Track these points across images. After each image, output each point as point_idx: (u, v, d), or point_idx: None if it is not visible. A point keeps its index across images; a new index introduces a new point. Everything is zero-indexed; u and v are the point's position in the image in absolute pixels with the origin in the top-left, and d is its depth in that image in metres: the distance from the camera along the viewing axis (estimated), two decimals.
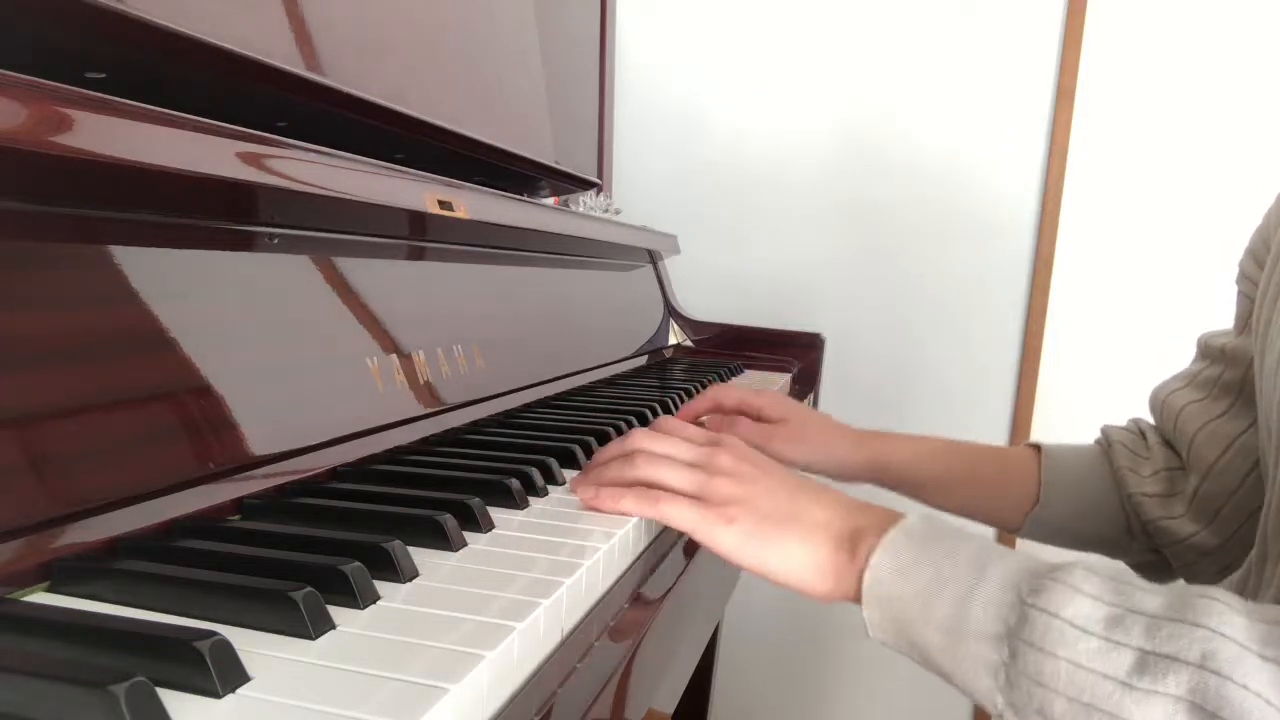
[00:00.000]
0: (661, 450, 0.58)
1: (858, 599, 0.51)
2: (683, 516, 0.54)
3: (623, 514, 0.55)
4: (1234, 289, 0.76)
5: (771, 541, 0.52)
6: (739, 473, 0.56)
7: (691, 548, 0.58)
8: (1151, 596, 0.43)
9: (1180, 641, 0.40)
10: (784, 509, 0.53)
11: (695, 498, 0.55)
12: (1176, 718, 0.39)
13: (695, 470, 0.56)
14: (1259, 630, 0.40)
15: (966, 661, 0.46)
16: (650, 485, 0.56)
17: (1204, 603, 0.42)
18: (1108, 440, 0.84)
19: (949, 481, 0.85)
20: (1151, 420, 0.83)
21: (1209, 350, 0.78)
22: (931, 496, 0.85)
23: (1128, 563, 0.83)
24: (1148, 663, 0.41)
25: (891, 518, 0.52)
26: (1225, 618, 0.40)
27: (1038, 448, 0.84)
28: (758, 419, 0.85)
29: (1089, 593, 0.43)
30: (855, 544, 0.51)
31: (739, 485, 0.55)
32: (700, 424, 0.85)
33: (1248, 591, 0.63)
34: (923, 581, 0.48)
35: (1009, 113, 1.58)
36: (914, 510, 0.54)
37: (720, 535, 0.53)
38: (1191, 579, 0.77)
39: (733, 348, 1.48)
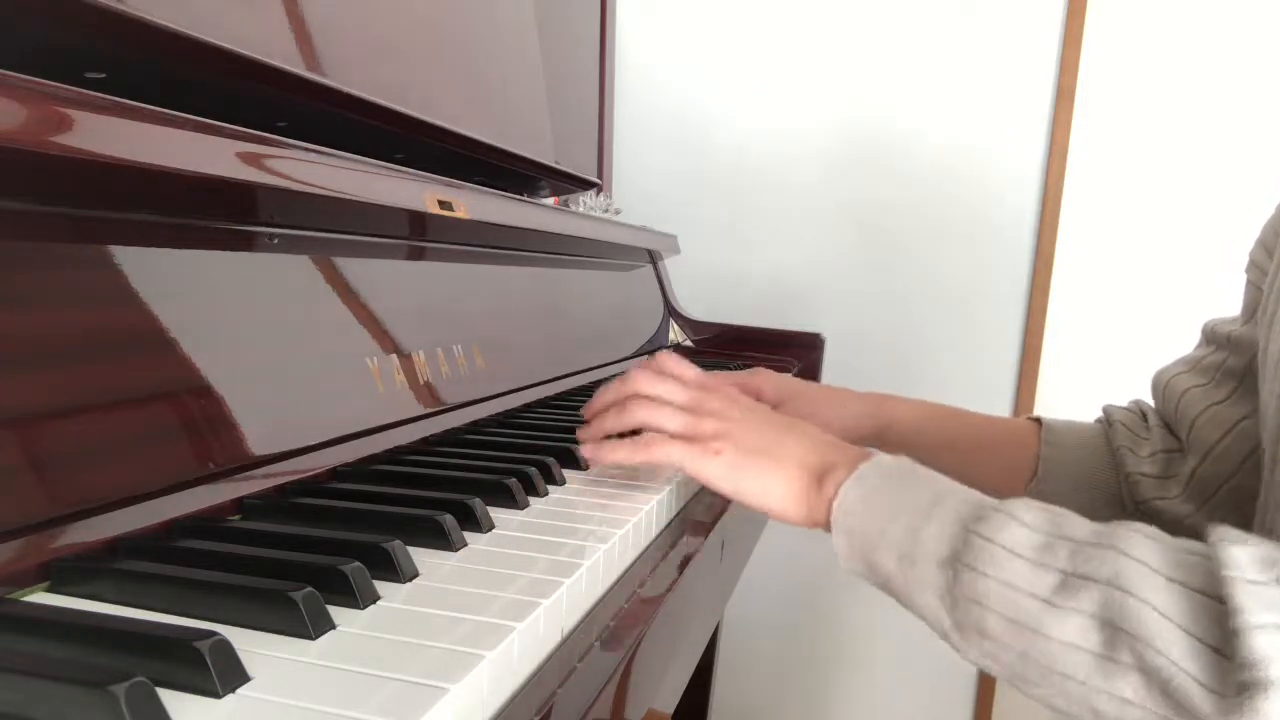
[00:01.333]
0: (655, 391, 0.62)
1: (828, 527, 0.55)
2: (674, 453, 0.58)
3: (618, 462, 0.61)
4: (1234, 288, 0.76)
5: (751, 472, 0.57)
6: (726, 412, 0.60)
7: (688, 553, 0.58)
8: (1081, 525, 0.47)
9: (1096, 563, 0.44)
10: (765, 444, 0.58)
11: (684, 435, 0.59)
12: (1089, 632, 0.43)
13: (685, 411, 0.60)
14: (1169, 555, 0.43)
15: (917, 584, 0.50)
16: (645, 428, 0.61)
17: (1125, 532, 0.45)
18: (1109, 419, 0.85)
19: (949, 446, 0.87)
20: (1153, 403, 0.84)
21: (1214, 336, 0.79)
22: (931, 460, 0.86)
23: None
24: (1068, 583, 0.44)
25: (863, 454, 0.57)
26: (1141, 545, 0.44)
27: (1039, 421, 0.86)
28: (757, 400, 0.86)
29: (1025, 521, 0.47)
30: (826, 476, 0.56)
31: (725, 423, 0.59)
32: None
33: None
34: (883, 510, 0.52)
35: (1009, 113, 1.58)
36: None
37: (706, 466, 0.58)
38: None
39: (733, 348, 1.48)
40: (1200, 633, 0.40)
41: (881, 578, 0.53)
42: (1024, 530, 0.47)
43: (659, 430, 0.60)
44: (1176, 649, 0.40)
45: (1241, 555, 0.40)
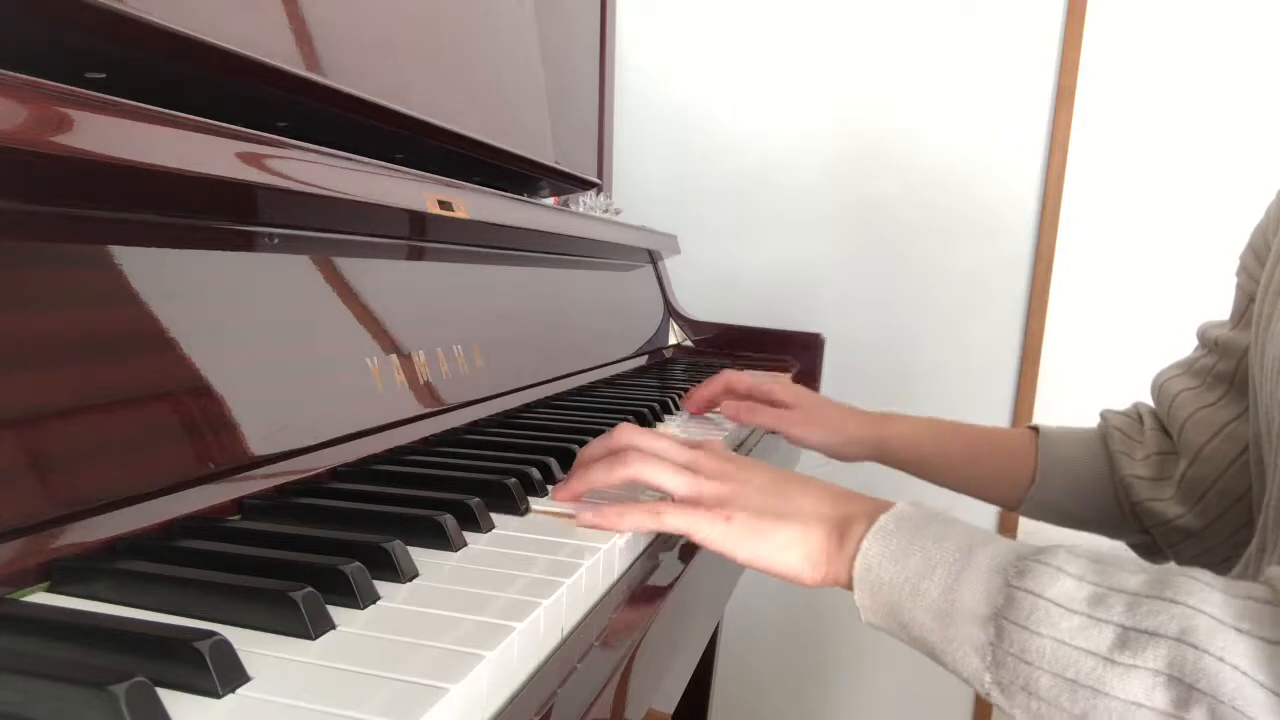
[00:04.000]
0: (651, 447, 0.58)
1: (849, 585, 0.52)
2: (683, 522, 0.54)
3: (625, 529, 0.54)
4: (1233, 290, 0.77)
5: (765, 535, 0.54)
6: (726, 473, 0.57)
7: (688, 553, 0.58)
8: (1132, 576, 0.44)
9: (1159, 617, 0.42)
10: (775, 504, 0.55)
11: (690, 500, 0.56)
12: (1156, 690, 0.40)
13: (686, 471, 0.57)
14: (1235, 605, 0.41)
15: (955, 642, 0.47)
16: (641, 483, 0.57)
17: (1182, 580, 0.43)
18: (1106, 425, 0.86)
19: (947, 461, 0.88)
20: (1152, 404, 0.85)
21: (1206, 340, 0.80)
22: (930, 475, 0.89)
23: (1125, 543, 0.85)
24: (1128, 638, 0.42)
25: (880, 505, 0.54)
26: (1202, 594, 0.42)
27: (1036, 430, 0.87)
28: (769, 404, 0.89)
29: (1072, 573, 0.45)
30: (845, 531, 0.53)
31: (729, 485, 0.56)
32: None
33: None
34: (912, 566, 0.49)
35: (1009, 113, 1.58)
36: (906, 493, 0.56)
37: (719, 535, 0.54)
38: (1178, 560, 0.80)
39: (733, 347, 1.47)
40: None
41: (911, 634, 0.50)
42: (1072, 582, 0.45)
43: (659, 487, 0.57)
44: (1257, 706, 0.38)
45: None
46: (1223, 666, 0.39)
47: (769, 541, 0.54)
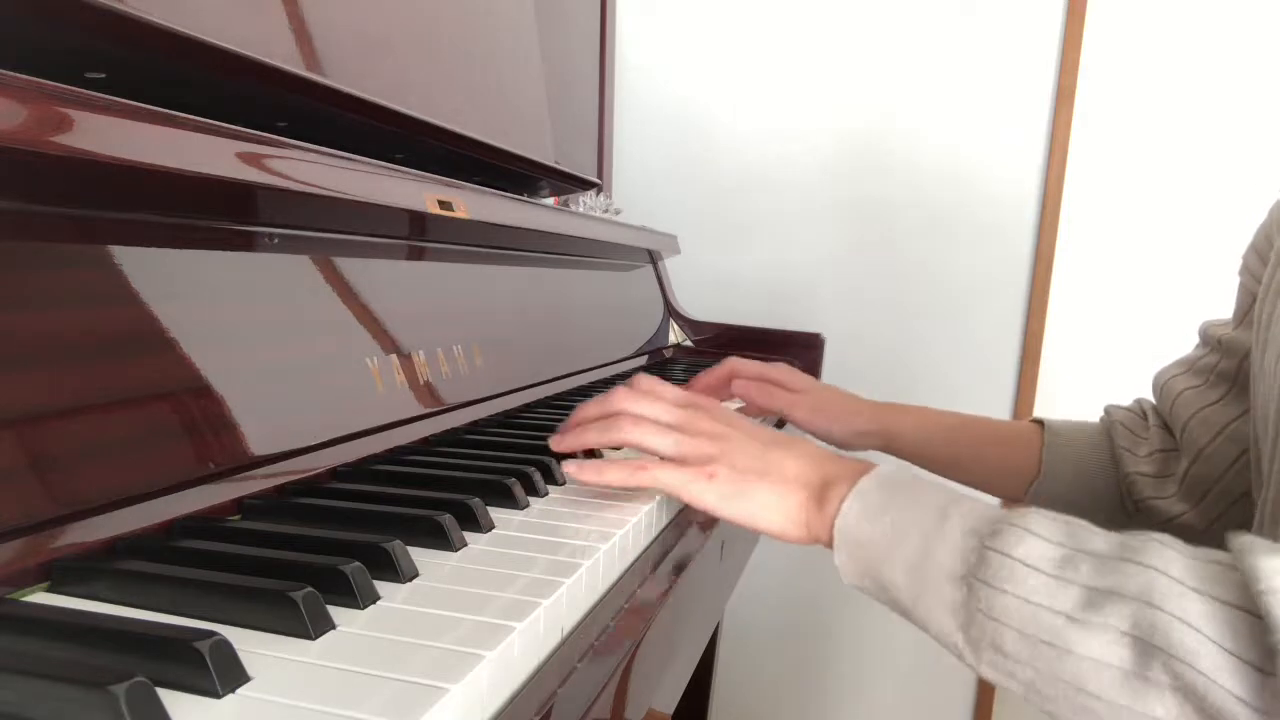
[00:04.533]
0: (641, 411, 0.60)
1: (829, 544, 0.53)
2: (668, 479, 0.56)
3: (608, 485, 0.58)
4: (1234, 288, 0.77)
5: (749, 494, 0.56)
6: (715, 432, 0.58)
7: (688, 556, 0.58)
8: (1100, 538, 0.46)
9: (1119, 576, 0.43)
10: (759, 463, 0.56)
11: (675, 458, 0.57)
12: (1117, 646, 0.41)
13: (674, 432, 0.58)
14: (1196, 568, 0.42)
15: (928, 600, 0.48)
16: (631, 446, 0.59)
17: (1148, 544, 0.44)
18: (1110, 420, 0.87)
19: (954, 454, 0.89)
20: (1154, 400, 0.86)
21: (1208, 339, 0.81)
22: (937, 467, 0.90)
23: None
24: (1092, 598, 0.43)
25: (862, 468, 0.55)
26: (1166, 556, 0.43)
27: (1041, 423, 0.88)
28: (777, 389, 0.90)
29: (1042, 534, 0.46)
30: (826, 492, 0.54)
31: (716, 443, 0.57)
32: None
33: None
34: (889, 526, 0.51)
35: (1009, 113, 1.58)
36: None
37: (702, 492, 0.56)
38: None
39: (733, 348, 1.47)
40: (1238, 649, 0.39)
41: (888, 594, 0.51)
42: (1041, 543, 0.46)
43: (647, 449, 0.58)
44: (1214, 665, 0.39)
45: (1272, 565, 0.39)
46: (1181, 626, 0.40)
47: (751, 500, 0.56)
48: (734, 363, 0.93)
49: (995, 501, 0.72)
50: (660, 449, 0.58)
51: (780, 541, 0.56)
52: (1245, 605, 0.40)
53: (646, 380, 0.65)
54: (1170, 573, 0.42)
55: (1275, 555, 0.40)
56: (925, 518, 0.50)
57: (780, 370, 0.92)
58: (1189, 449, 0.78)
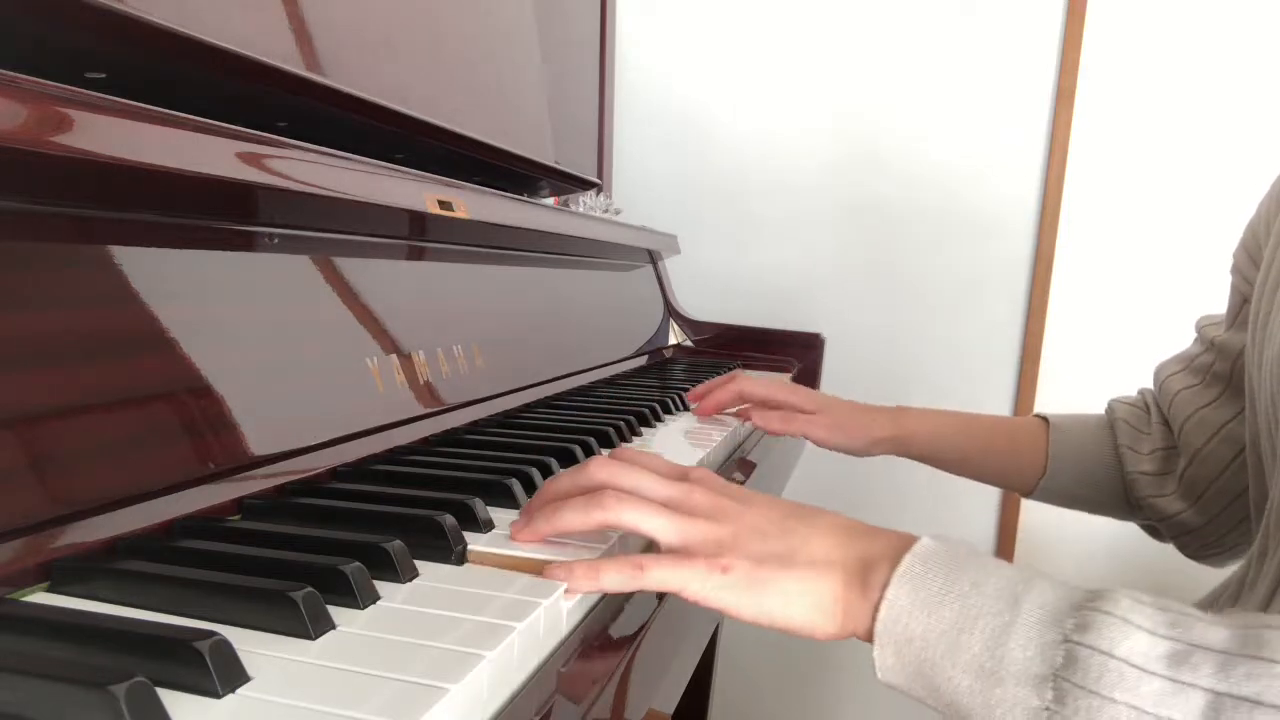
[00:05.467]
0: (628, 484, 0.49)
1: (869, 637, 0.45)
2: (674, 579, 0.46)
3: (604, 590, 0.46)
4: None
5: (770, 587, 0.46)
6: (718, 509, 0.49)
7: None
8: (1213, 629, 0.39)
9: (1261, 682, 0.36)
10: (779, 546, 0.47)
11: (680, 547, 0.47)
12: None
13: (669, 511, 0.48)
14: None
15: (1002, 707, 0.41)
16: (621, 529, 0.49)
17: (1267, 634, 0.38)
18: (1113, 416, 0.88)
19: (966, 455, 0.91)
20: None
21: (1203, 337, 0.82)
22: (949, 467, 0.92)
23: (1136, 524, 0.89)
24: (1223, 705, 0.36)
25: (904, 542, 0.46)
26: None
27: (1045, 419, 0.90)
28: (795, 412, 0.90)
29: (1143, 626, 0.39)
30: (865, 576, 0.46)
31: (723, 525, 0.48)
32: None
33: (1246, 584, 0.65)
34: (948, 618, 0.43)
35: (1009, 113, 1.58)
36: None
37: (717, 591, 0.46)
38: (1181, 552, 0.84)
39: (732, 348, 1.47)
40: None
41: (944, 698, 0.43)
42: (1145, 638, 0.39)
43: (641, 534, 0.48)
44: None
45: None
46: None
47: (775, 594, 0.46)
48: (741, 383, 0.92)
49: (993, 497, 0.72)
50: (658, 535, 0.48)
51: (811, 639, 0.47)
52: None
53: (628, 450, 0.56)
54: None
55: None
56: (992, 606, 0.42)
57: (785, 390, 0.92)
58: (1187, 449, 0.79)
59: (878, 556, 0.46)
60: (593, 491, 0.49)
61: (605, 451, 0.62)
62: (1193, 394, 0.79)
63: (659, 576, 0.46)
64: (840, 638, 0.47)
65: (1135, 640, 0.39)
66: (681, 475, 0.51)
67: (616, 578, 0.46)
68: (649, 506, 0.48)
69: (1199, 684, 0.37)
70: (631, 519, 0.48)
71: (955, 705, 0.43)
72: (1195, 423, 0.78)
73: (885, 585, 0.44)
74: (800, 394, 0.92)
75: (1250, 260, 0.72)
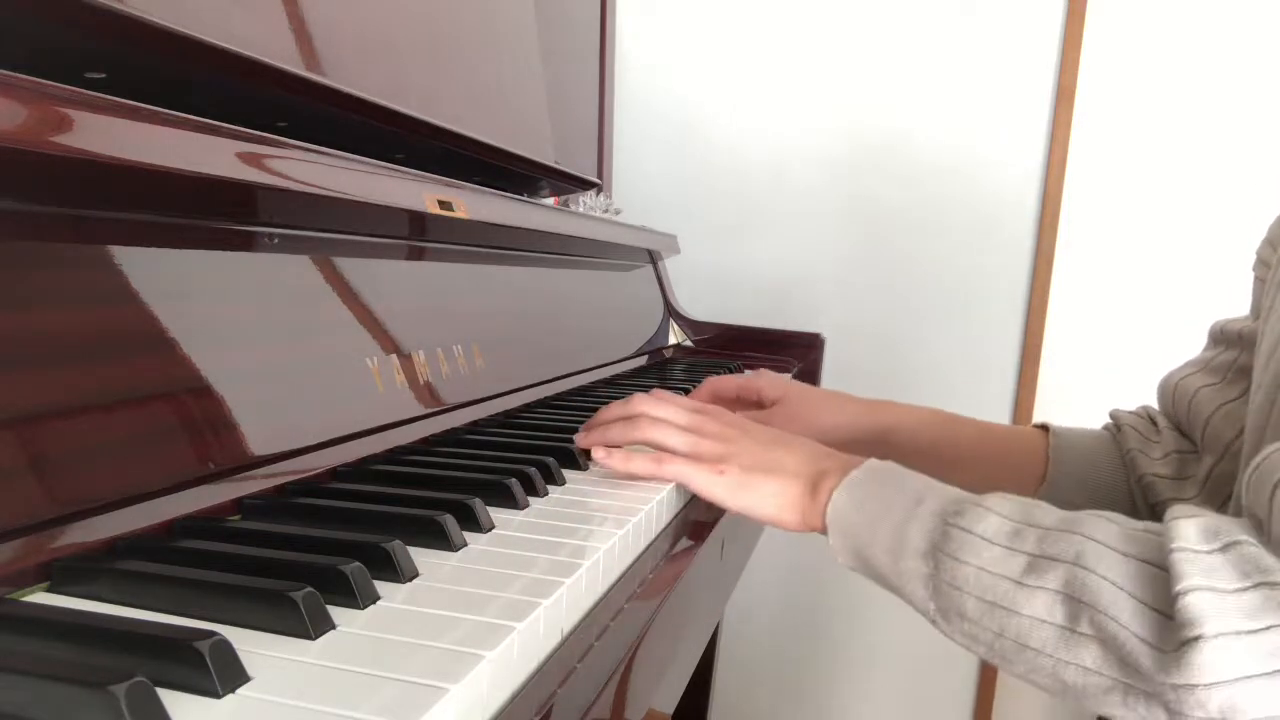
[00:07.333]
0: (660, 414, 0.67)
1: (824, 530, 0.60)
2: (684, 472, 0.64)
3: (633, 474, 0.64)
4: (1235, 288, 0.77)
5: (752, 488, 0.62)
6: (725, 434, 0.66)
7: (687, 555, 0.58)
8: (1050, 513, 0.51)
9: (1059, 545, 0.48)
10: (763, 460, 0.63)
11: (690, 455, 0.64)
12: (1055, 607, 0.47)
13: (689, 433, 0.66)
14: (1126, 534, 0.47)
15: (905, 575, 0.54)
16: (650, 444, 0.66)
17: (1087, 516, 0.50)
18: (1117, 424, 0.85)
19: (952, 452, 0.86)
20: (1159, 407, 0.84)
21: (1224, 336, 0.79)
22: (934, 466, 0.87)
23: None
24: (1035, 564, 0.48)
25: (853, 461, 0.61)
26: (1100, 525, 0.48)
27: (1045, 428, 0.86)
28: (758, 402, 0.89)
29: (999, 511, 0.52)
30: (819, 484, 0.61)
31: (725, 444, 0.65)
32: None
33: None
34: (872, 511, 0.57)
35: (1009, 113, 1.58)
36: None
37: (713, 485, 0.63)
38: None
39: (732, 347, 1.47)
40: (1148, 599, 0.44)
41: (874, 571, 0.57)
42: (997, 519, 0.51)
43: (665, 447, 0.65)
44: (1127, 614, 0.44)
45: (1189, 528, 0.45)
46: (1103, 582, 0.45)
47: (754, 494, 0.62)
48: (713, 382, 0.92)
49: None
50: (677, 446, 0.65)
51: (781, 529, 0.63)
52: (1160, 562, 0.45)
53: (661, 392, 0.73)
54: (1101, 539, 0.47)
55: (1193, 518, 0.45)
56: (903, 501, 0.56)
57: (760, 378, 0.90)
58: (1214, 446, 0.75)
59: (832, 470, 0.61)
60: (633, 417, 0.67)
61: None
62: (1214, 391, 0.77)
63: (673, 470, 0.64)
64: (801, 529, 0.62)
65: (988, 521, 0.52)
66: (701, 409, 0.69)
67: (643, 465, 0.64)
68: (673, 428, 0.66)
69: (1023, 549, 0.49)
70: (659, 435, 0.66)
71: (881, 576, 0.57)
72: (1222, 416, 0.75)
73: (833, 490, 0.59)
74: (768, 383, 0.90)
75: (1274, 252, 0.72)
